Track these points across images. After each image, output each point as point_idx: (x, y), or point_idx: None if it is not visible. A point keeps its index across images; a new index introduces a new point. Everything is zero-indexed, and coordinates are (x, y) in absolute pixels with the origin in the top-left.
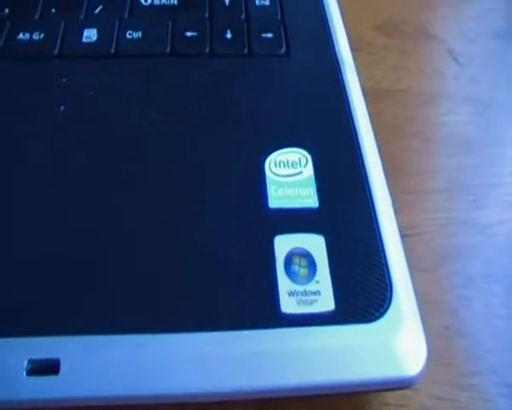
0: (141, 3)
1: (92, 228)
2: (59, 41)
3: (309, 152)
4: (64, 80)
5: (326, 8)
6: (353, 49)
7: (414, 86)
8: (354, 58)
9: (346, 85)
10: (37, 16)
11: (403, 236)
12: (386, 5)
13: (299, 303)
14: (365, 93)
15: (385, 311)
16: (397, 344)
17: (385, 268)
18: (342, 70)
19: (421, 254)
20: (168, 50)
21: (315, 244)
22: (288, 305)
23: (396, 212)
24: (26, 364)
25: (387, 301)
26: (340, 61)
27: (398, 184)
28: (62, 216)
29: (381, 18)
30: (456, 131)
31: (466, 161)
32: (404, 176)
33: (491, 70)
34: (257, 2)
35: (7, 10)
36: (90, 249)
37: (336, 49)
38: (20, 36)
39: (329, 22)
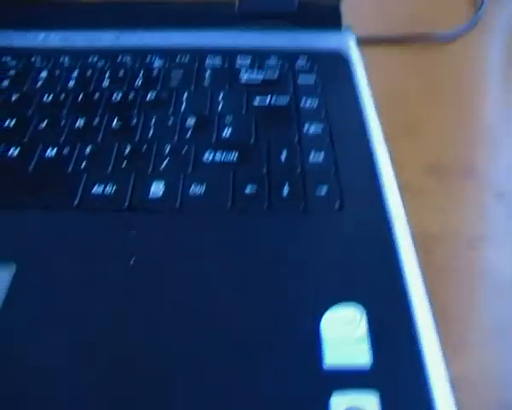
0: (203, 158)
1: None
2: (129, 194)
3: (362, 308)
4: (133, 233)
5: (376, 158)
6: (403, 192)
7: (462, 229)
8: (404, 202)
9: (396, 238)
10: (109, 169)
11: (455, 388)
12: (434, 145)
13: None
14: (415, 239)
15: None
16: None
17: None
18: (393, 222)
19: (475, 406)
20: (229, 206)
21: (369, 403)
22: None
23: (447, 361)
24: None
25: None
26: (390, 213)
27: (448, 331)
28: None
29: (430, 159)
30: (506, 273)
31: None
32: (454, 321)
33: None
34: (311, 157)
35: (84, 163)
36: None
37: (387, 202)
38: (95, 188)
39: (380, 172)
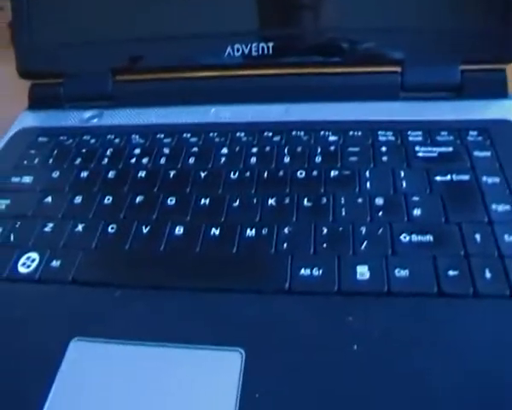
0: (400, 240)
1: None
2: (336, 278)
3: None
4: (350, 318)
5: None
6: None
7: None
8: None
9: None
10: (311, 251)
11: None
12: None
13: None
14: None
15: None
16: None
17: None
18: None
19: None
20: (435, 290)
21: None
22: None
23: None
24: None
25: None
26: None
27: None
28: None
29: None
30: None
31: None
32: None
33: None
34: (506, 239)
35: (285, 245)
36: None
37: None
38: (302, 271)
39: None
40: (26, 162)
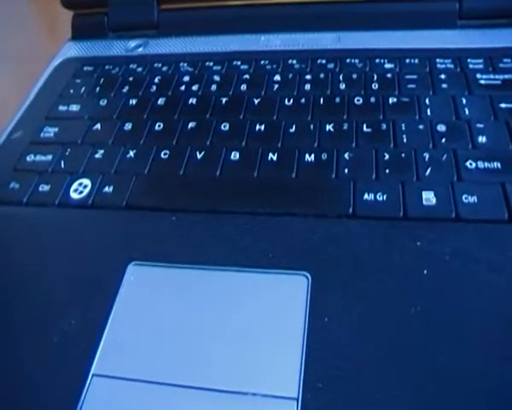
0: (466, 166)
1: None
2: (401, 203)
3: None
4: (418, 243)
5: None
6: None
7: None
8: None
9: None
10: (373, 177)
11: None
12: None
13: None
14: None
15: None
16: None
17: None
18: None
19: None
20: (506, 216)
21: None
22: None
23: None
24: None
25: None
26: None
27: None
28: None
29: None
30: None
31: None
32: None
33: None
34: None
35: (346, 170)
36: None
37: None
38: (365, 196)
39: None
40: (72, 91)
